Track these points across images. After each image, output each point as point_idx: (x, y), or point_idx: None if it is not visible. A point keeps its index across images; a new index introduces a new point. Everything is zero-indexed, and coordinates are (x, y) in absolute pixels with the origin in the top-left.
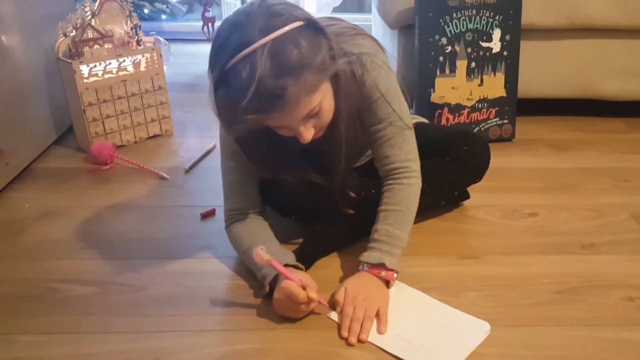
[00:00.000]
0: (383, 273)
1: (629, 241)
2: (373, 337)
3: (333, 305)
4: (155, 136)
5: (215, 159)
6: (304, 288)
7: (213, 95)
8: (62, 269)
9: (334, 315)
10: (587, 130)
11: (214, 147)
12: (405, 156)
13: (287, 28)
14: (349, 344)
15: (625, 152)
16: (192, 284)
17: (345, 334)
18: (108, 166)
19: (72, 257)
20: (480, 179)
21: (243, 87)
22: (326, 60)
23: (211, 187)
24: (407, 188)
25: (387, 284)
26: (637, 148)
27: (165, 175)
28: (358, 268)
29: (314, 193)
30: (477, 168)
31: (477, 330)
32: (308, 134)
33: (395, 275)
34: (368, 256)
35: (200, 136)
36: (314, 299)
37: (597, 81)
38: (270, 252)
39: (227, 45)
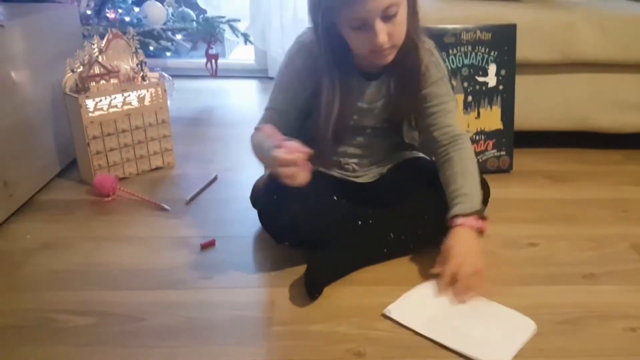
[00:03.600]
0: (478, 224)
1: (630, 271)
2: (427, 329)
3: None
4: (157, 168)
5: (216, 190)
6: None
7: None
8: (61, 299)
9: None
10: (584, 162)
11: (215, 178)
12: (461, 128)
13: None
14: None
15: (623, 184)
16: (191, 315)
17: (444, 293)
18: (110, 198)
19: (71, 288)
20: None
21: None
22: None
23: (211, 218)
24: (467, 151)
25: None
26: (634, 179)
27: (166, 206)
28: (450, 224)
29: (329, 210)
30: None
31: (525, 327)
32: (383, 35)
33: (486, 225)
34: (459, 209)
35: (201, 168)
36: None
37: (592, 114)
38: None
39: None
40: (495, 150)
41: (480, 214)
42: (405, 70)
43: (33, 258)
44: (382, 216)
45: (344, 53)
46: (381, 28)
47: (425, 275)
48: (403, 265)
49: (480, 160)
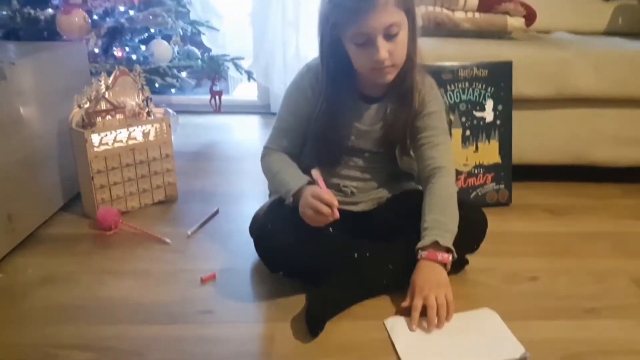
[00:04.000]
0: (440, 256)
1: (631, 306)
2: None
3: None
4: (160, 202)
5: (218, 224)
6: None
7: (321, 4)
8: (62, 334)
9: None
10: (583, 196)
11: (217, 212)
12: (446, 159)
13: None
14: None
15: (622, 217)
16: (191, 349)
17: (415, 326)
18: (112, 232)
19: (72, 322)
20: (477, 246)
21: None
22: None
23: (212, 251)
24: (445, 181)
25: (445, 267)
26: (633, 213)
27: (167, 240)
28: (417, 258)
29: (323, 241)
30: (474, 235)
31: (513, 349)
32: (383, 51)
33: (450, 258)
34: (422, 242)
35: (203, 202)
36: (334, 204)
37: (589, 148)
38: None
39: None
40: (494, 184)
41: (446, 247)
42: (402, 94)
43: (34, 292)
44: (379, 249)
45: (346, 73)
46: (383, 45)
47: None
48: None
49: (480, 193)
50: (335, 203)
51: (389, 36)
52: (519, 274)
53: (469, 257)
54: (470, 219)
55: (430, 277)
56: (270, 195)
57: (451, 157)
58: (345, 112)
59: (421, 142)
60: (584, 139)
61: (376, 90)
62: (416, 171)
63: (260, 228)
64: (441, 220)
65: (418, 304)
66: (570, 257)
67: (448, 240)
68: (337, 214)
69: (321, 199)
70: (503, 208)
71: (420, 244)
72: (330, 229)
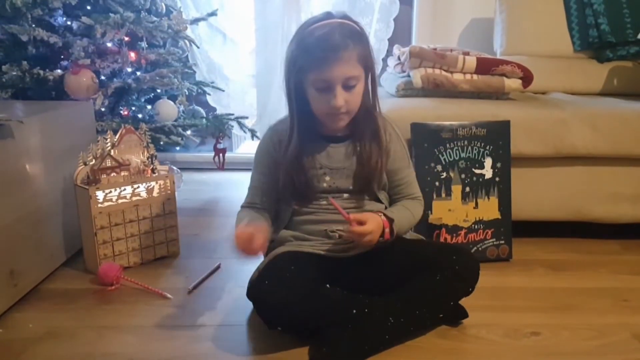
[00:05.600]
0: (388, 230)
1: None
2: None
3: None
4: (161, 258)
5: (219, 279)
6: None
7: (289, 49)
8: None
9: None
10: (582, 252)
11: (218, 267)
12: (419, 191)
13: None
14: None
15: (622, 273)
16: None
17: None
18: (114, 287)
19: None
20: (472, 288)
21: (318, 37)
22: (372, 55)
23: (213, 306)
24: (418, 206)
25: (382, 236)
26: (633, 269)
27: (168, 295)
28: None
29: (321, 298)
30: (468, 278)
31: None
32: (340, 99)
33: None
34: (386, 211)
35: (205, 257)
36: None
37: (587, 205)
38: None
39: (311, 21)
40: (494, 239)
41: (391, 235)
42: (368, 132)
43: (34, 347)
44: (377, 303)
45: (309, 114)
46: (340, 93)
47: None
48: (407, 352)
49: (480, 248)
50: (249, 230)
51: (347, 87)
52: (521, 329)
53: (467, 310)
54: (461, 262)
55: (379, 229)
56: (264, 255)
57: (417, 183)
58: (310, 151)
59: (396, 183)
60: (582, 195)
61: (337, 131)
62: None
63: (257, 289)
64: (402, 222)
65: (361, 232)
66: (572, 313)
67: (397, 229)
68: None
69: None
70: (503, 263)
71: (384, 211)
72: (328, 285)
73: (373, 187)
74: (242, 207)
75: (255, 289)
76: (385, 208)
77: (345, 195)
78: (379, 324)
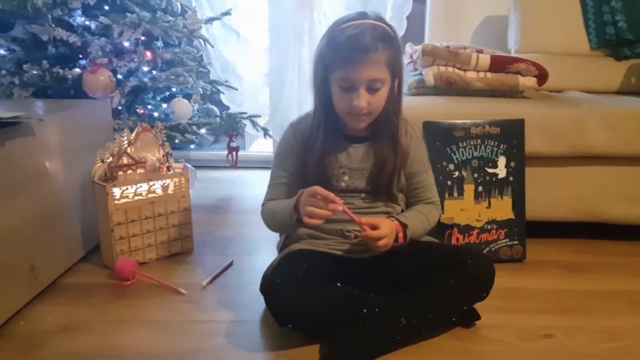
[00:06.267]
0: (400, 234)
1: None
2: None
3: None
4: (176, 254)
5: (232, 275)
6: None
7: (319, 45)
8: None
9: None
10: (597, 253)
11: (231, 264)
12: (437, 195)
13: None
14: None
15: (637, 275)
16: None
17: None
18: (130, 282)
19: None
20: (486, 294)
21: (348, 36)
22: (401, 60)
23: (226, 302)
24: (435, 211)
25: (396, 241)
26: None
27: (182, 290)
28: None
29: (332, 296)
30: (483, 284)
31: None
32: (363, 100)
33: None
34: (400, 216)
35: (218, 254)
36: (333, 199)
37: (602, 205)
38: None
39: (344, 19)
40: (507, 240)
41: (405, 240)
42: (387, 135)
43: (52, 340)
44: (389, 303)
45: (333, 113)
46: (363, 95)
47: None
48: (418, 353)
49: (493, 249)
50: (331, 195)
51: (371, 89)
52: (534, 331)
53: (480, 312)
54: (477, 267)
55: (393, 234)
56: (279, 251)
57: (435, 187)
58: (332, 150)
59: (414, 186)
60: (597, 196)
61: (359, 132)
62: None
63: (270, 284)
64: (416, 227)
65: (376, 236)
66: (586, 315)
67: (411, 234)
68: (334, 203)
69: (316, 192)
70: (517, 264)
71: (398, 216)
72: (339, 283)
73: (389, 189)
74: (263, 204)
75: (267, 285)
76: (402, 210)
77: (363, 194)
78: (391, 325)
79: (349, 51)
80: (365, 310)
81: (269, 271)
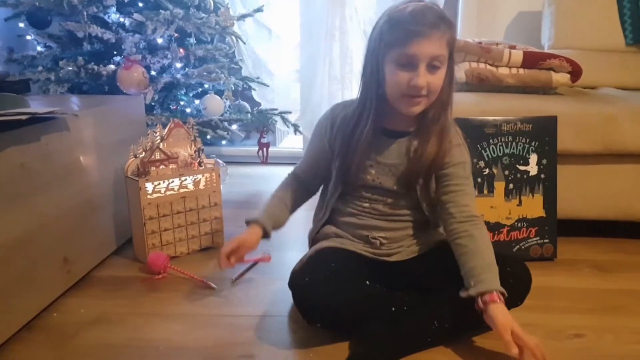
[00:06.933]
0: (500, 298)
1: None
2: None
3: None
4: (207, 248)
5: (261, 270)
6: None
7: (376, 26)
8: None
9: None
10: (630, 252)
11: (260, 259)
12: (477, 210)
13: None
14: None
15: None
16: None
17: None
18: (161, 276)
19: None
20: (521, 301)
21: (411, 12)
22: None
23: (255, 296)
24: (484, 232)
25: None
26: None
27: (213, 285)
28: (488, 298)
29: (359, 294)
30: (519, 291)
31: None
32: (423, 78)
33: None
34: (495, 283)
35: None
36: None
37: (635, 204)
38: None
39: (402, 2)
40: (538, 238)
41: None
42: (430, 132)
43: (85, 331)
44: (420, 303)
45: (377, 102)
46: (424, 72)
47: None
48: (447, 351)
49: (523, 247)
50: (225, 251)
51: (432, 67)
52: (563, 330)
53: (511, 311)
54: (514, 274)
55: (512, 319)
56: (309, 241)
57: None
58: (365, 142)
59: (451, 188)
60: (631, 194)
61: (402, 124)
62: (439, 215)
63: (299, 283)
64: (493, 266)
65: (535, 345)
66: (617, 315)
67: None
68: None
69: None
70: (547, 263)
71: (494, 285)
72: (367, 282)
73: (416, 194)
74: (289, 174)
75: (296, 285)
76: (429, 223)
77: (389, 199)
78: (422, 325)
79: (413, 25)
80: (393, 309)
81: (297, 268)
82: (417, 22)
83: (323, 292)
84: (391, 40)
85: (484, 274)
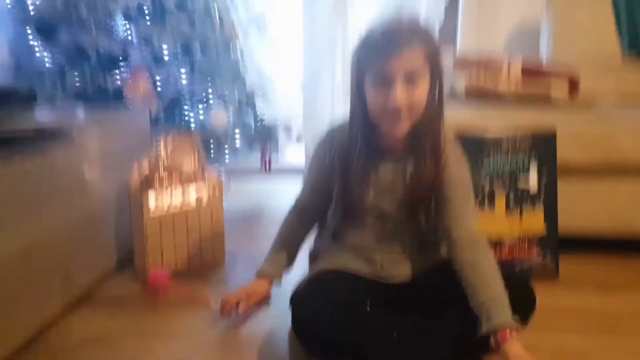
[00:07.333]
0: (513, 333)
1: None
2: None
3: None
4: (208, 266)
5: None
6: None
7: (354, 50)
8: None
9: None
10: (634, 270)
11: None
12: (481, 231)
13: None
14: None
15: None
16: None
17: None
18: (162, 293)
19: None
20: (525, 325)
21: (382, 31)
22: (440, 60)
23: (258, 317)
24: (490, 255)
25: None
26: None
27: (213, 305)
28: (502, 334)
29: (361, 321)
30: (523, 313)
31: None
32: (400, 94)
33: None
34: (507, 317)
35: (250, 265)
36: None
37: (637, 220)
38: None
39: (379, 22)
40: (539, 255)
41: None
42: (424, 151)
43: (82, 351)
44: (422, 328)
45: (367, 124)
46: (400, 87)
47: None
48: None
49: (524, 264)
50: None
51: (410, 82)
52: (567, 352)
53: None
54: (518, 296)
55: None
56: (310, 257)
57: (477, 223)
58: (360, 164)
59: (452, 213)
60: (632, 210)
61: (395, 144)
62: (442, 239)
63: (299, 316)
64: (502, 297)
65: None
66: (623, 337)
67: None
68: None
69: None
70: (550, 281)
71: (505, 318)
72: (368, 307)
73: (418, 217)
74: (295, 201)
75: (297, 319)
76: (431, 244)
77: (390, 222)
78: (424, 348)
79: (384, 45)
80: (395, 335)
81: (298, 293)
82: (388, 41)
83: (322, 319)
84: (366, 63)
85: (492, 308)
